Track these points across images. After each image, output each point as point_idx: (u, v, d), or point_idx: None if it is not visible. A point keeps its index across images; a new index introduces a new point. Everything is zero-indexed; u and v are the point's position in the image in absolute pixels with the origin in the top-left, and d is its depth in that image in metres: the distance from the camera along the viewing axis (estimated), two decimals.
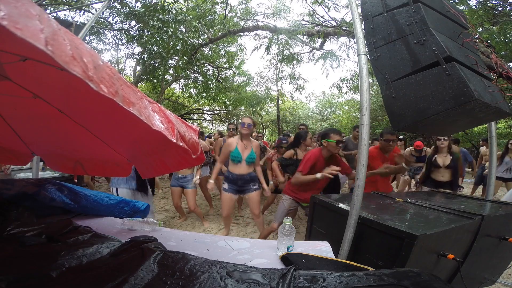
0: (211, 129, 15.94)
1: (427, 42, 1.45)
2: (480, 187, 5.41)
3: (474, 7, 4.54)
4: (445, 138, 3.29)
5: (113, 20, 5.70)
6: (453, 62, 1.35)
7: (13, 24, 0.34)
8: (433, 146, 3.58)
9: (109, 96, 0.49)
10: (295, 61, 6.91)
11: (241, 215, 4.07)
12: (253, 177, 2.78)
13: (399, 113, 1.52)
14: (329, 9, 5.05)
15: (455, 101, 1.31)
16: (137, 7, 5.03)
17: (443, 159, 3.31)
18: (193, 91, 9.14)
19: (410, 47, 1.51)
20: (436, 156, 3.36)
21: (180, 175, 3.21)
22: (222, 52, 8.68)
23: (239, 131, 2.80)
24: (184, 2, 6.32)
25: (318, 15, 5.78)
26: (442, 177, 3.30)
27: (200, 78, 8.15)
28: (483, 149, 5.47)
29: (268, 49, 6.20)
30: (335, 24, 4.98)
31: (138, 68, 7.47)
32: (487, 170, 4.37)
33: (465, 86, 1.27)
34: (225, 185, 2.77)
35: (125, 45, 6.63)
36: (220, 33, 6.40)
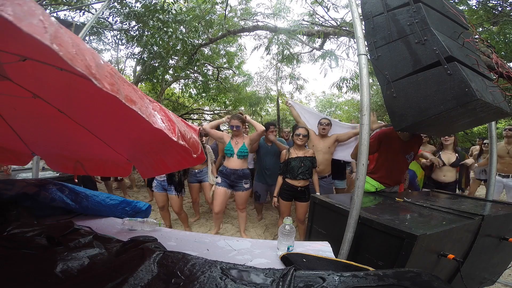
0: None
1: (428, 42, 1.44)
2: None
3: (474, 7, 4.53)
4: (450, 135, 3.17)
5: (113, 20, 5.69)
6: (455, 62, 1.35)
7: (18, 21, 0.34)
8: (438, 143, 3.49)
9: (112, 93, 0.49)
10: (295, 61, 6.90)
11: None
12: (246, 174, 2.82)
13: (400, 113, 1.52)
14: (328, 10, 5.05)
15: (457, 101, 1.30)
16: (137, 7, 5.02)
17: (448, 157, 3.21)
18: (193, 91, 9.13)
19: (411, 47, 1.51)
20: (440, 153, 3.26)
21: (196, 170, 3.23)
22: (222, 52, 8.66)
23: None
24: (184, 2, 6.31)
25: (318, 15, 5.78)
26: (444, 176, 3.21)
27: (200, 78, 8.14)
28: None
29: (268, 49, 6.18)
30: (335, 24, 4.98)
31: (138, 68, 7.45)
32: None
33: (467, 86, 1.27)
34: (219, 179, 2.83)
35: (125, 45, 6.61)
36: (220, 33, 6.38)
